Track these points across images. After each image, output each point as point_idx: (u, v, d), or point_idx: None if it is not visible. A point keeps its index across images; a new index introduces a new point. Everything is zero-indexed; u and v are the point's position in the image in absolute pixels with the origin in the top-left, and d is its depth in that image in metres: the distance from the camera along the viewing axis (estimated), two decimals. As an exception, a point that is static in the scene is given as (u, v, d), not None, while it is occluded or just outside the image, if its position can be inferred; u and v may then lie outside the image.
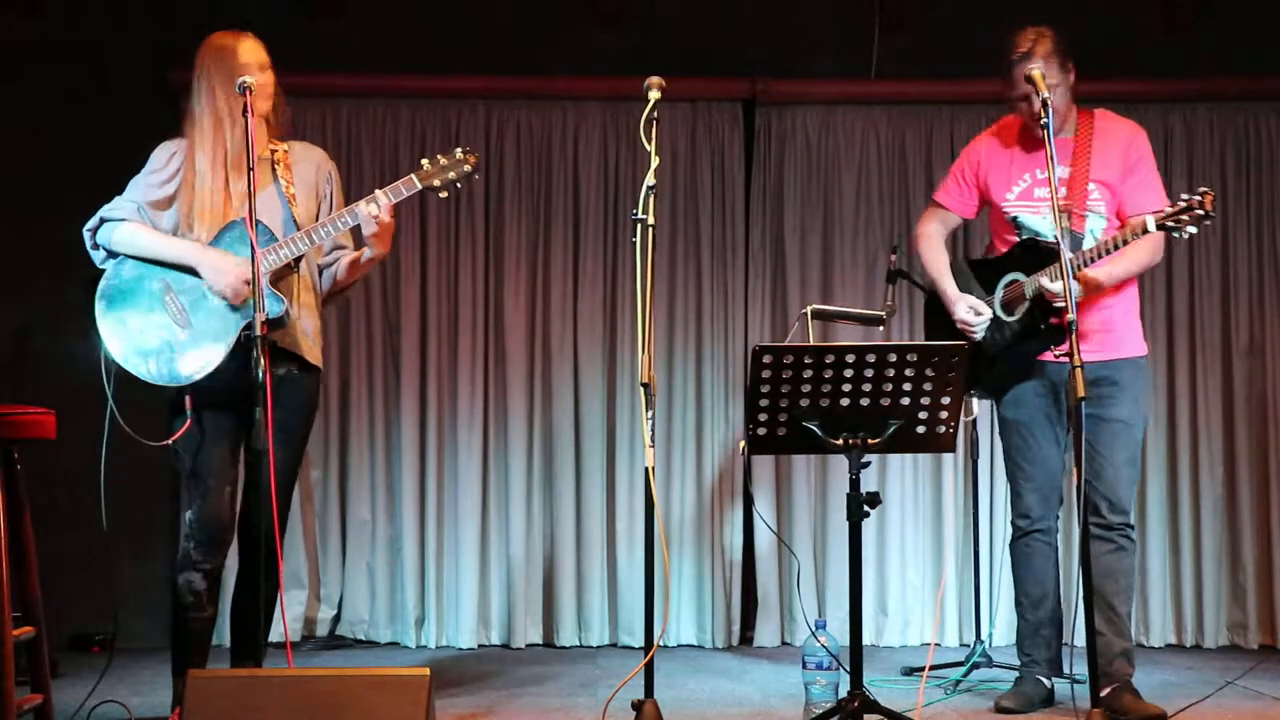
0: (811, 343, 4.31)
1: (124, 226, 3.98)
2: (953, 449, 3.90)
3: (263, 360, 3.63)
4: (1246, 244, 5.89)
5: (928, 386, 3.69)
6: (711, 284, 5.88)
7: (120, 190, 4.07)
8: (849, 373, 3.65)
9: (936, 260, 4.48)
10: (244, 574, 4.01)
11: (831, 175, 5.93)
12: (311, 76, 5.71)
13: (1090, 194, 4.23)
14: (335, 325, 5.79)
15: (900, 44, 5.93)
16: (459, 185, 4.04)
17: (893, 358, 3.65)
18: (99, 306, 3.94)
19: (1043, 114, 3.90)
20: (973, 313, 4.31)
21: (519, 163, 5.87)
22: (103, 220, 4.00)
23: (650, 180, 3.86)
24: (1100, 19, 5.76)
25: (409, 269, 5.81)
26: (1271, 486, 5.82)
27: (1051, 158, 3.88)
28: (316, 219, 4.12)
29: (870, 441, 3.70)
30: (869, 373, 3.65)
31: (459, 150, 4.07)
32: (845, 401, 3.68)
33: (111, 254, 3.99)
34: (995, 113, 5.83)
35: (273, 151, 4.09)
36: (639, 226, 3.88)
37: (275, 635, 4.20)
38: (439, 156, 4.04)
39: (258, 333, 3.64)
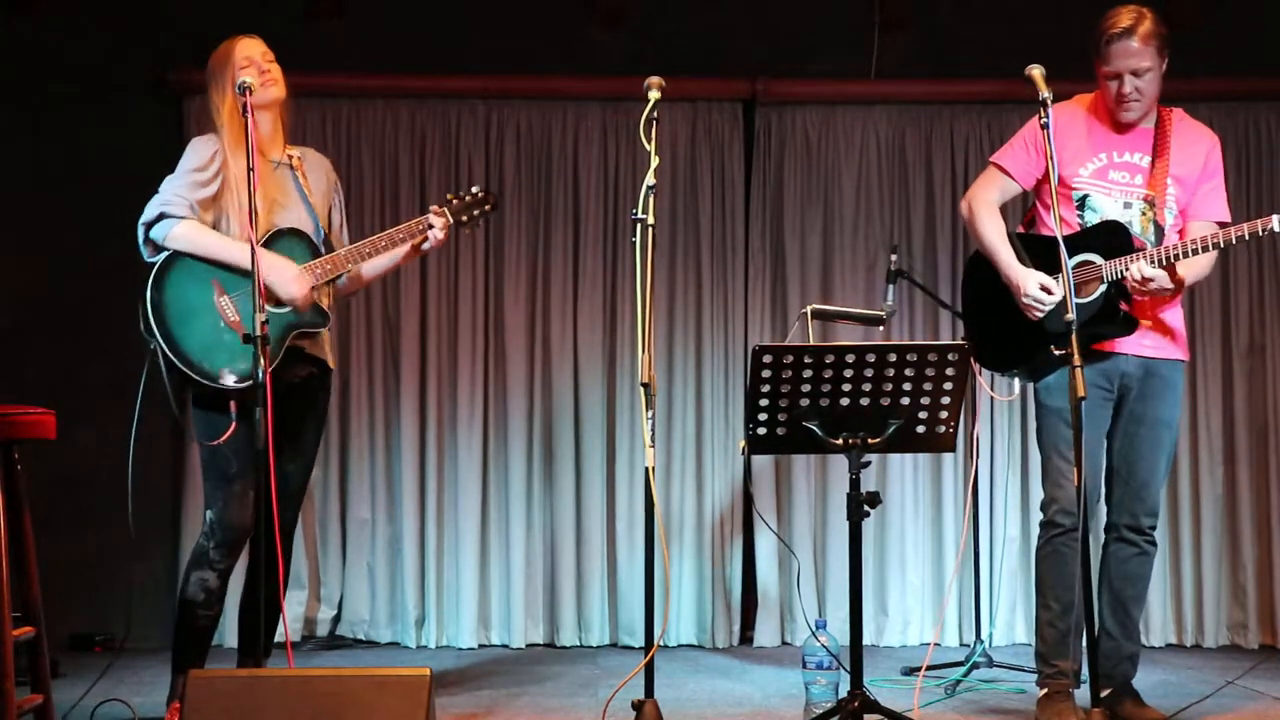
0: (811, 343, 4.30)
1: (185, 224, 3.93)
2: (953, 449, 3.89)
3: (263, 361, 3.64)
4: (1246, 244, 5.83)
5: (928, 386, 3.69)
6: (711, 284, 5.88)
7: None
8: (849, 373, 3.65)
9: (997, 229, 4.18)
10: (251, 573, 4.01)
11: (831, 175, 5.93)
12: (311, 76, 5.67)
13: (1168, 188, 4.13)
14: (335, 325, 5.77)
15: (900, 44, 5.93)
16: (480, 224, 4.37)
17: (893, 358, 3.65)
18: (152, 301, 3.86)
19: (1042, 114, 3.85)
20: (1045, 292, 4.05)
21: (519, 163, 5.87)
22: (162, 215, 3.93)
23: (650, 180, 3.86)
24: (1100, 18, 5.75)
25: (409, 269, 5.79)
26: (1271, 486, 5.83)
27: (1051, 156, 3.84)
28: (329, 228, 4.22)
29: (870, 441, 3.70)
30: (869, 373, 3.65)
31: (477, 189, 4.34)
32: (845, 401, 3.68)
33: (158, 248, 3.94)
34: (995, 112, 5.88)
35: (290, 157, 4.12)
36: (639, 226, 3.88)
37: (275, 635, 4.20)
38: (463, 194, 4.30)
39: (257, 332, 3.64)
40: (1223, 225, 4.11)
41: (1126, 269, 3.99)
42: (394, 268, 4.35)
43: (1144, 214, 4.11)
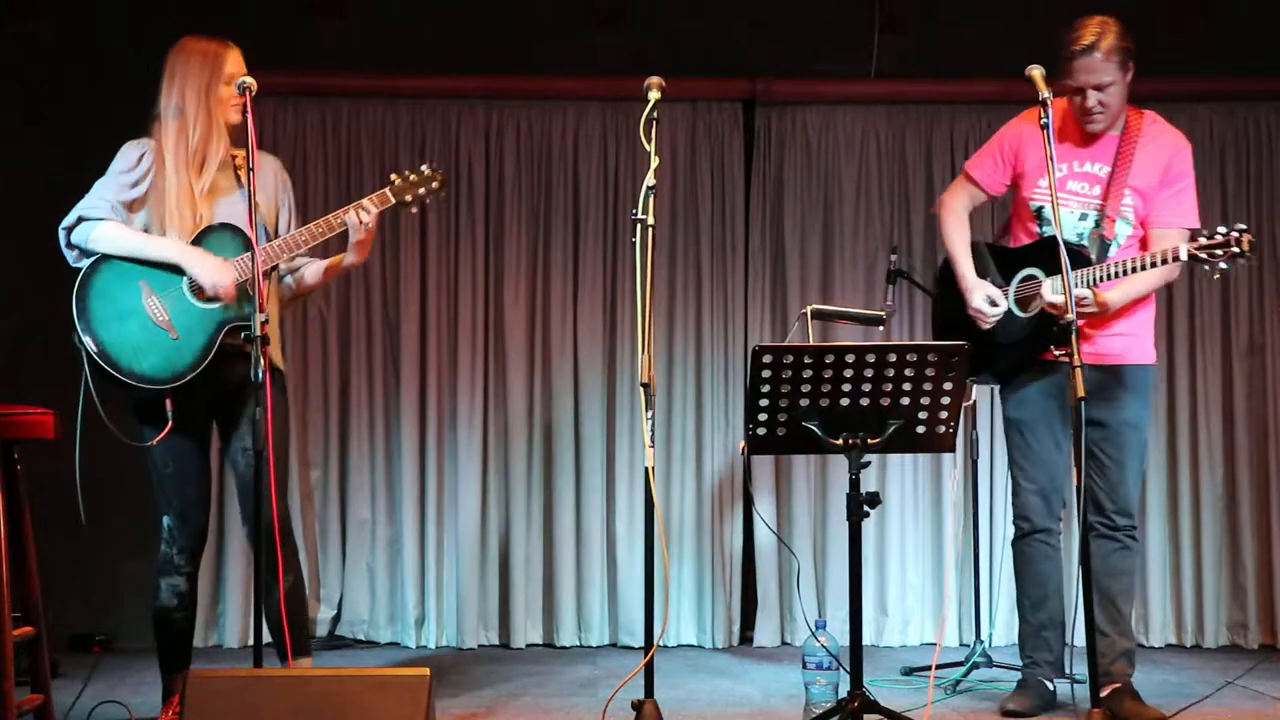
0: (811, 343, 4.30)
1: (104, 225, 3.93)
2: (953, 449, 3.89)
3: (263, 360, 3.63)
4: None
5: (928, 386, 3.69)
6: (711, 284, 5.87)
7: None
8: (849, 373, 3.65)
9: (958, 238, 4.36)
10: (262, 574, 4.00)
11: (831, 175, 5.93)
12: (311, 76, 5.72)
13: (1124, 198, 4.17)
14: (335, 325, 5.79)
15: (900, 44, 5.93)
16: (428, 202, 4.13)
17: (893, 358, 3.65)
18: (78, 306, 3.88)
19: (1042, 113, 3.88)
20: (989, 303, 4.21)
21: (519, 163, 5.87)
22: (80, 219, 3.94)
23: (650, 180, 3.86)
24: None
25: (409, 269, 5.81)
26: (1271, 486, 5.82)
27: (1051, 158, 3.86)
28: (275, 226, 4.14)
29: (870, 441, 3.70)
30: (869, 373, 3.65)
31: (425, 167, 4.14)
32: (845, 401, 3.68)
33: (85, 253, 3.94)
34: (995, 112, 5.86)
35: (233, 157, 4.07)
36: (639, 226, 3.88)
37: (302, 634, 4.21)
38: (408, 173, 4.12)
39: (257, 333, 3.64)
40: (1192, 232, 4.09)
41: (1042, 297, 4.09)
42: (338, 269, 4.17)
43: (1096, 226, 4.15)
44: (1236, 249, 3.79)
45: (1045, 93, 3.90)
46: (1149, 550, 5.75)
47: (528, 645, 5.72)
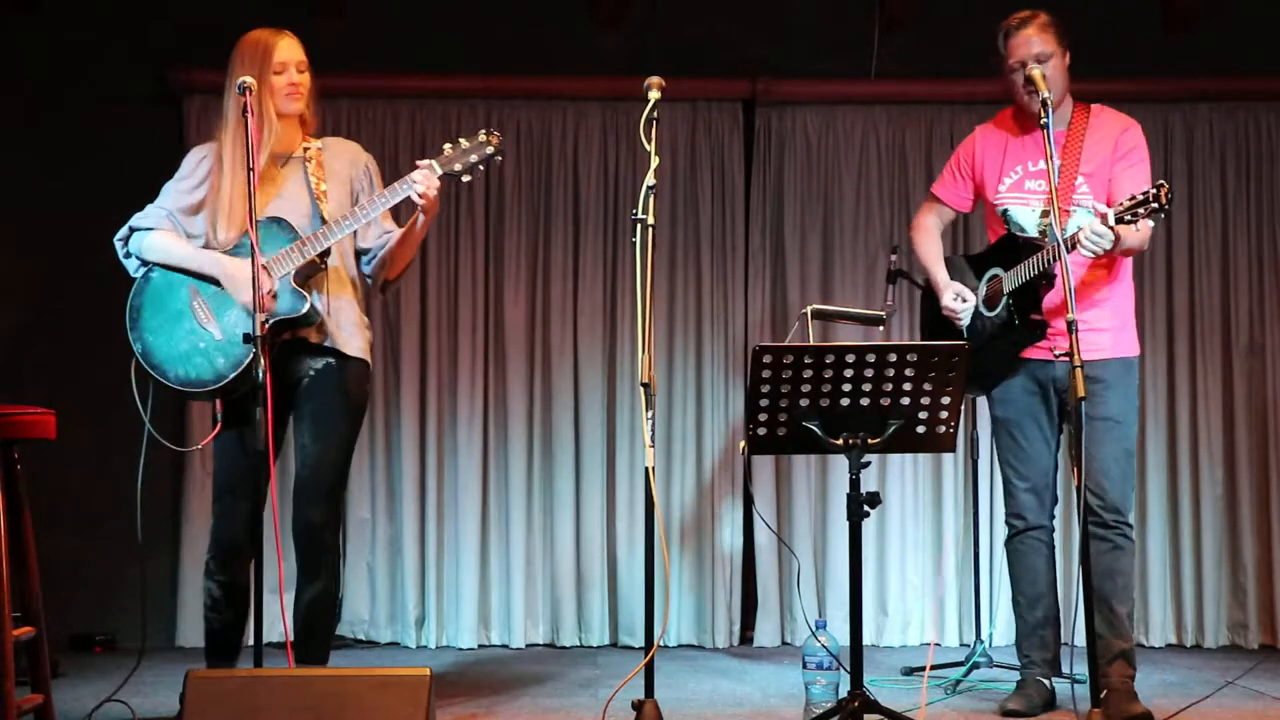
0: (811, 343, 4.30)
1: (152, 235, 3.95)
2: (953, 449, 3.89)
3: (263, 360, 3.61)
4: (1246, 244, 5.89)
5: (928, 386, 3.69)
6: (711, 284, 5.88)
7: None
8: (849, 373, 3.65)
9: (928, 249, 4.51)
10: (299, 577, 3.99)
11: (831, 175, 5.93)
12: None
13: (1077, 188, 4.21)
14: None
15: (900, 44, 5.93)
16: (482, 168, 3.97)
17: (893, 358, 3.65)
18: (130, 316, 3.91)
19: (1043, 113, 3.92)
20: (959, 300, 4.34)
21: (519, 163, 5.87)
22: (132, 230, 3.98)
23: (650, 180, 3.86)
24: (1100, 18, 5.76)
25: (408, 271, 5.79)
26: (1271, 486, 5.82)
27: (1051, 156, 3.89)
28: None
29: (870, 441, 3.70)
30: (869, 373, 3.65)
31: (481, 132, 3.99)
32: (845, 401, 3.68)
33: (144, 261, 3.96)
34: (995, 113, 5.86)
35: (305, 149, 4.03)
36: (639, 226, 3.88)
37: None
38: (461, 140, 3.98)
39: (256, 333, 3.62)
40: None
41: (1035, 270, 4.13)
42: (412, 236, 4.04)
43: (1048, 217, 4.19)
44: (1156, 204, 3.86)
45: (1045, 93, 3.95)
46: (1149, 550, 5.75)
47: (528, 645, 5.73)
